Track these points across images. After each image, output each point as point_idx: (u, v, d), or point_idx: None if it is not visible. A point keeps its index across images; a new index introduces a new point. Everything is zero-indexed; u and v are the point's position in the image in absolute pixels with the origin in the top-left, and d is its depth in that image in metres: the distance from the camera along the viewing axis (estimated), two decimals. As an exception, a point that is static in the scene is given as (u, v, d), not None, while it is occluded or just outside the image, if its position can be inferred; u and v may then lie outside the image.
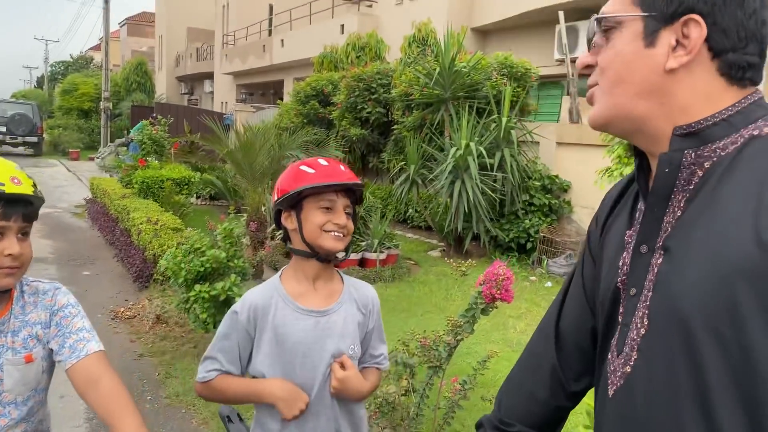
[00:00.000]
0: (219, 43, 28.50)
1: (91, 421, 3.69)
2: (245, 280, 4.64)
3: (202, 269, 4.27)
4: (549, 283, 7.20)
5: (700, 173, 0.87)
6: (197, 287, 4.21)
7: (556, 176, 8.32)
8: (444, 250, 8.79)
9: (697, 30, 0.85)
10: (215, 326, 4.33)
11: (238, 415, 1.87)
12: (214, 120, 8.23)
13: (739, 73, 0.87)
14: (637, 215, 1.00)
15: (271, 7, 25.89)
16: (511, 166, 7.98)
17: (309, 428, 1.61)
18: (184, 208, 9.13)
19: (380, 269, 7.31)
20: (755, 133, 0.85)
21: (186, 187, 9.92)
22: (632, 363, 0.90)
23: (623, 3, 0.92)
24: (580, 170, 7.99)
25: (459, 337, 2.90)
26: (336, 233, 1.60)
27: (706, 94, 0.88)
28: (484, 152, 7.80)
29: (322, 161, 1.64)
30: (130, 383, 4.24)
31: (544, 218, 8.16)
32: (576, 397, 1.15)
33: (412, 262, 8.15)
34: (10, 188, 1.35)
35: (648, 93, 0.90)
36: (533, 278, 7.46)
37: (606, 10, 0.95)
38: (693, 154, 0.87)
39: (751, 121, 0.86)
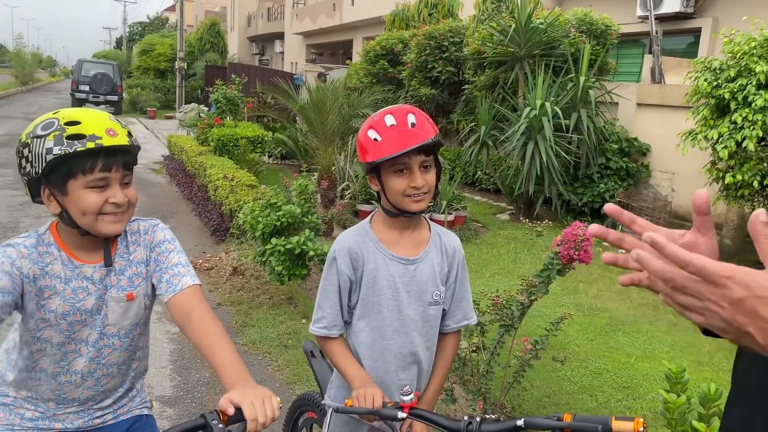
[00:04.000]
0: (290, 2, 28.58)
1: (176, 363, 3.92)
2: (318, 236, 4.75)
3: (278, 223, 4.39)
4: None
5: None
6: (273, 240, 4.34)
7: (635, 139, 7.99)
8: (513, 213, 8.67)
9: None
10: (290, 278, 4.47)
11: (321, 351, 1.95)
12: (285, 80, 8.33)
13: None
14: None
15: (341, -35, 25.63)
16: (588, 127, 7.71)
17: (391, 359, 1.73)
18: (258, 166, 9.35)
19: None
20: None
21: (259, 145, 10.13)
22: None
23: None
24: (661, 133, 7.64)
25: (533, 297, 2.88)
26: (416, 196, 1.61)
27: None
28: (559, 113, 7.56)
29: (389, 119, 1.59)
30: (210, 330, 4.46)
31: (620, 182, 7.89)
32: None
33: (480, 225, 8.09)
34: (107, 141, 1.39)
35: None
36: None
37: None
38: None
39: None
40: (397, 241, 1.72)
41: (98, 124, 1.40)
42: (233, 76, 12.49)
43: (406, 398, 1.52)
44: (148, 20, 50.82)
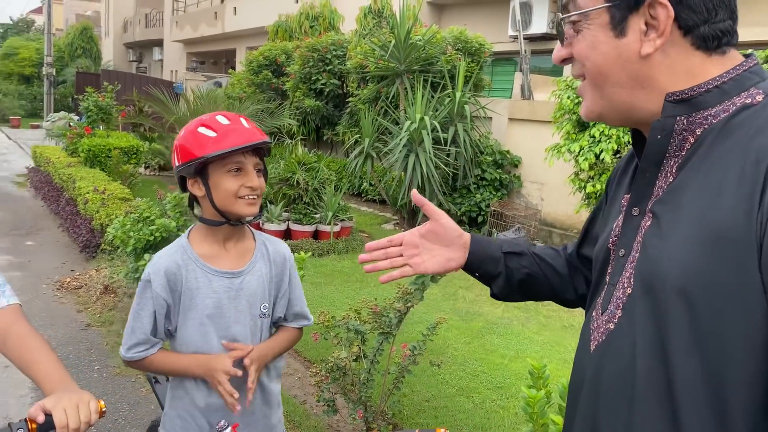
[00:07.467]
0: (169, 9, 27.55)
1: (36, 390, 3.63)
2: (196, 250, 4.59)
3: (151, 238, 4.19)
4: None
5: (692, 140, 0.88)
6: (147, 256, 4.14)
7: (508, 151, 8.46)
8: (398, 223, 8.87)
9: (664, 11, 0.85)
10: (165, 296, 4.27)
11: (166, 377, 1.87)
12: (160, 89, 8.01)
13: (714, 43, 0.87)
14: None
15: (223, -26, 25.11)
16: (464, 140, 8.06)
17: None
18: (132, 178, 8.89)
19: (334, 241, 7.33)
20: (747, 101, 0.85)
21: (134, 156, 9.64)
22: (616, 320, 0.93)
23: None
24: (531, 146, 8.15)
25: (409, 304, 2.97)
26: (250, 197, 1.54)
27: (687, 71, 0.88)
28: (438, 126, 7.85)
29: (222, 119, 1.53)
30: (77, 353, 4.18)
31: (495, 192, 8.31)
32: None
33: (366, 235, 8.20)
34: None
35: (630, 81, 0.90)
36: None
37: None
38: (685, 121, 0.88)
39: (744, 88, 0.86)
40: (219, 254, 1.61)
41: None
42: (105, 83, 11.83)
43: None
44: (11, 22, 46.87)
